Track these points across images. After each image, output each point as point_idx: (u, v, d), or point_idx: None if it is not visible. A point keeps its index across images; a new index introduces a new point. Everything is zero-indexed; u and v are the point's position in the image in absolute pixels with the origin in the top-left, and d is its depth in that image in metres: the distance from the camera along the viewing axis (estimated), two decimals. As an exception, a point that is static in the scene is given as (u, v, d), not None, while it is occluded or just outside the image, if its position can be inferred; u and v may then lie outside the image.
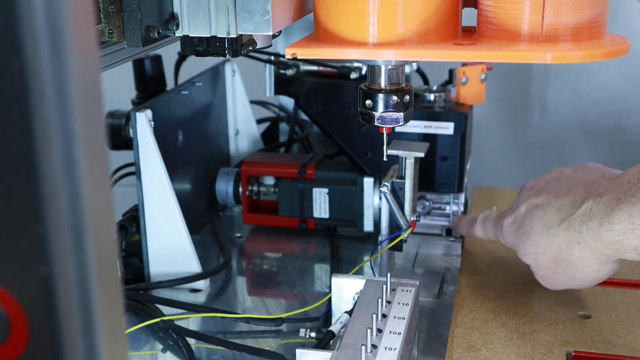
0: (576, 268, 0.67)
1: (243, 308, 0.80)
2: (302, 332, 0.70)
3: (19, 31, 0.26)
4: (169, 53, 0.95)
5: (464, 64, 0.89)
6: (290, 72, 0.93)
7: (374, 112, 0.63)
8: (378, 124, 0.64)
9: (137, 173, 0.80)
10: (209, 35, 0.60)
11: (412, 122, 0.86)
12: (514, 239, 0.72)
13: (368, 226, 0.91)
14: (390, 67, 0.62)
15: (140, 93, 0.97)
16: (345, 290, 0.68)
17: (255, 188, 0.96)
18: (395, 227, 0.75)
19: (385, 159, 0.68)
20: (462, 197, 0.91)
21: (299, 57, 0.58)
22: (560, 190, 0.69)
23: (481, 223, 0.78)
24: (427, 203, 0.90)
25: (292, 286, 0.84)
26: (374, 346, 0.57)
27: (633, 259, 0.64)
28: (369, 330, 0.58)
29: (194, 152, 0.94)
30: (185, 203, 0.84)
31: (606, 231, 0.63)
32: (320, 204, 0.92)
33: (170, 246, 0.81)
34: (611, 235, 0.62)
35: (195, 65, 0.95)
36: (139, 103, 0.91)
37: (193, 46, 0.61)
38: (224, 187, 0.96)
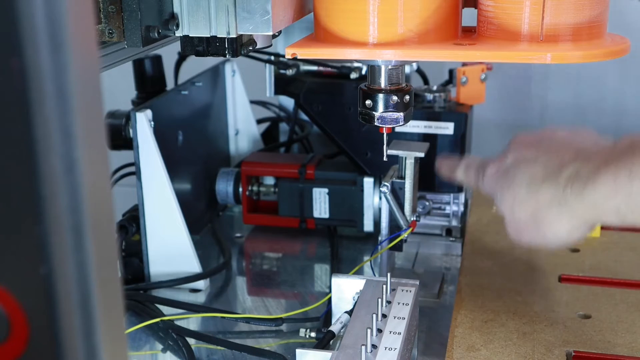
0: (549, 227, 0.66)
1: (243, 308, 0.80)
2: (302, 332, 0.70)
3: (19, 31, 0.26)
4: (169, 53, 0.95)
5: (464, 64, 0.89)
6: (290, 72, 0.93)
7: (374, 112, 0.63)
8: (378, 124, 0.64)
9: (137, 173, 0.80)
10: (209, 35, 0.60)
11: (412, 122, 0.86)
12: (494, 187, 0.71)
13: (368, 226, 0.91)
14: (390, 67, 0.62)
15: (140, 93, 0.97)
16: (345, 290, 0.68)
17: (255, 188, 0.96)
18: (395, 227, 0.75)
19: (385, 159, 0.68)
20: (462, 197, 0.91)
21: (299, 57, 0.58)
22: (550, 149, 0.68)
23: (464, 168, 0.77)
24: (427, 203, 0.90)
25: (292, 286, 0.84)
26: (374, 346, 0.57)
27: (612, 222, 0.62)
28: (369, 330, 0.58)
29: (194, 152, 0.94)
30: (185, 203, 0.84)
31: (590, 192, 0.62)
32: (320, 204, 0.92)
33: (170, 246, 0.81)
34: (594, 196, 0.61)
35: (195, 65, 0.95)
36: (139, 103, 0.91)
37: (193, 46, 0.61)
38: (224, 187, 0.96)
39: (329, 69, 0.94)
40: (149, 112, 0.79)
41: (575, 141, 0.69)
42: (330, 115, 0.91)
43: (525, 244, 0.70)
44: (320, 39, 0.60)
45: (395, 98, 0.63)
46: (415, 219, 0.75)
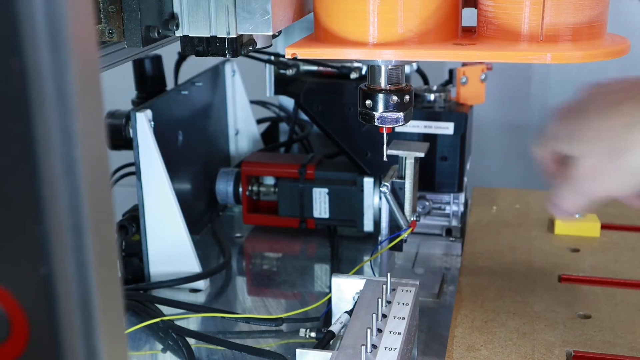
0: (629, 152, 0.59)
1: (243, 308, 0.80)
2: (302, 332, 0.70)
3: (19, 31, 0.26)
4: (169, 53, 0.95)
5: (464, 64, 0.89)
6: (290, 72, 0.93)
7: (374, 112, 0.63)
8: (378, 124, 0.64)
9: (137, 173, 0.80)
10: (209, 35, 0.60)
11: (412, 122, 0.86)
12: (565, 126, 0.64)
13: (368, 226, 0.91)
14: (390, 67, 0.62)
15: (140, 93, 0.97)
16: (345, 290, 0.68)
17: (255, 188, 0.96)
18: (395, 227, 0.75)
19: (385, 159, 0.68)
20: (462, 197, 0.91)
21: (299, 57, 0.58)
22: (615, 87, 0.64)
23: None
24: (427, 203, 0.90)
25: (292, 286, 0.84)
26: (374, 346, 0.57)
27: None
28: (369, 330, 0.58)
29: (194, 152, 0.94)
30: (185, 203, 0.84)
31: None
32: (320, 204, 0.92)
33: (170, 246, 0.81)
34: None
35: (195, 65, 0.95)
36: (139, 103, 0.91)
37: (193, 46, 0.61)
38: (224, 187, 0.96)
39: (329, 69, 0.94)
40: (149, 112, 0.79)
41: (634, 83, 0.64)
42: (330, 115, 0.91)
43: (599, 191, 0.62)
44: (320, 39, 0.60)
45: (395, 98, 0.63)
46: (415, 219, 0.75)
